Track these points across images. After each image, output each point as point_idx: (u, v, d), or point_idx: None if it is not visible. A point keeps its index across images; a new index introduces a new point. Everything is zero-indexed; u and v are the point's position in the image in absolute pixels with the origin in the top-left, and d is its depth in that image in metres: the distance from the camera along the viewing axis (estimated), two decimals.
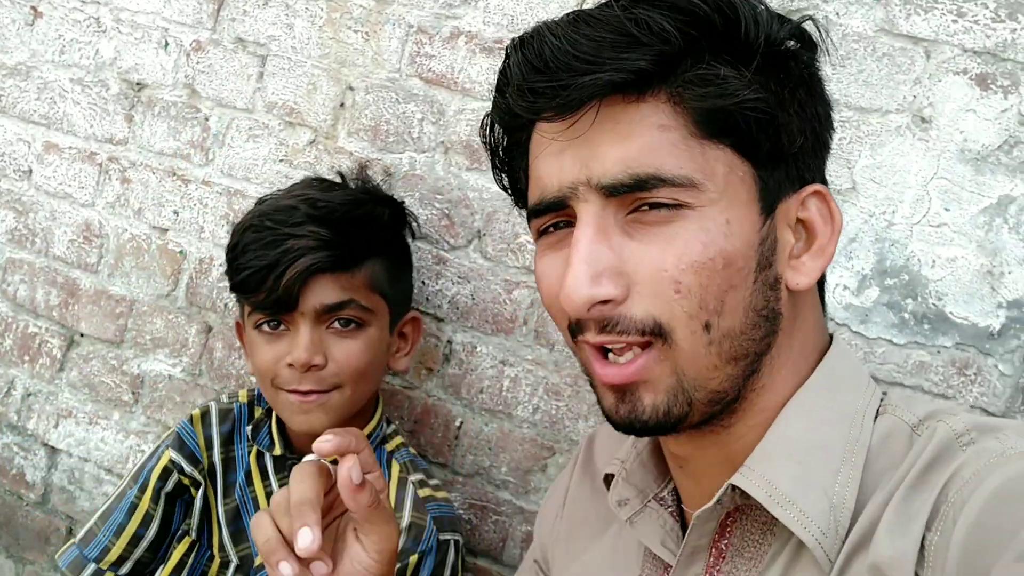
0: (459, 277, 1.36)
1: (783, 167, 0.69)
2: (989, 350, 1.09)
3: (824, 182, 0.74)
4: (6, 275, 1.67)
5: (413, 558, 1.13)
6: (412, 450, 1.29)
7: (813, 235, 0.71)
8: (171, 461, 1.26)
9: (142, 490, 1.26)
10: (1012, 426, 0.64)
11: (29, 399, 1.66)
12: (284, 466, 1.25)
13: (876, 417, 0.70)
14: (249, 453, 1.27)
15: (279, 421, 1.25)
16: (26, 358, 1.66)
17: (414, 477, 1.22)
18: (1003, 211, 1.08)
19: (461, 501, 1.36)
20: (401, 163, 1.39)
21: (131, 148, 1.58)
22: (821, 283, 0.78)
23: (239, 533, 1.25)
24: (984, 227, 1.09)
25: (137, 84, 1.58)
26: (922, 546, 0.59)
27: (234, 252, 1.14)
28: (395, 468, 1.23)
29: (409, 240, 1.31)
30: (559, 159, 0.69)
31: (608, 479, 0.84)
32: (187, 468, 1.26)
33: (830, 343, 0.75)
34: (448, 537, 1.17)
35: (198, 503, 1.27)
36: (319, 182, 1.25)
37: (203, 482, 1.27)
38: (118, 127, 1.59)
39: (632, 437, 0.83)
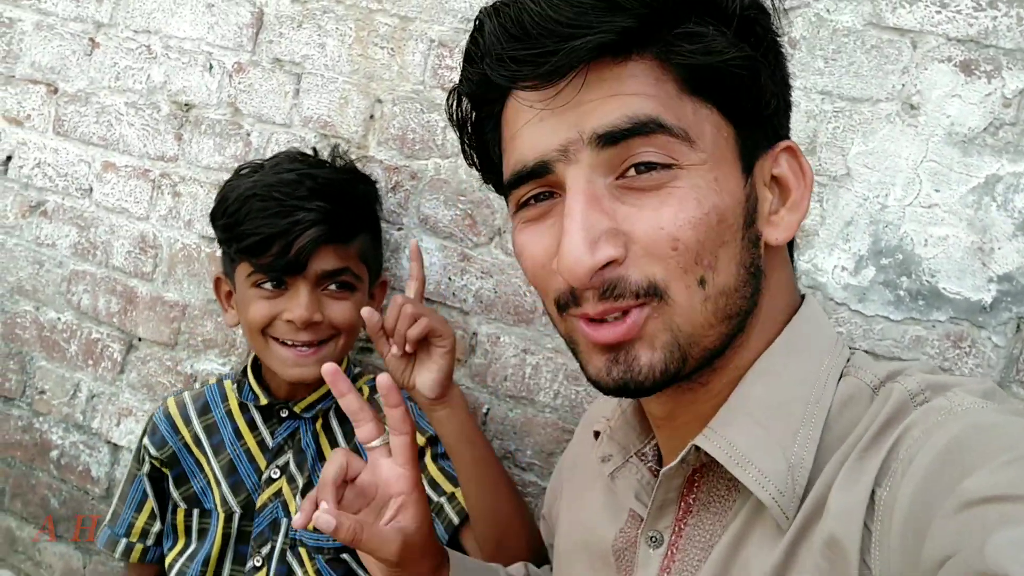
0: (482, 272, 1.45)
1: (760, 127, 0.71)
2: (982, 323, 1.14)
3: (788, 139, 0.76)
4: (70, 286, 1.81)
5: (421, 439, 1.35)
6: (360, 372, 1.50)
7: (787, 190, 0.73)
8: (143, 446, 1.43)
9: (140, 464, 1.44)
10: (963, 383, 0.66)
11: (93, 400, 1.79)
12: (272, 413, 1.39)
13: (841, 378, 0.71)
14: (229, 413, 1.41)
15: (257, 375, 1.41)
16: (90, 362, 1.79)
17: (377, 395, 1.41)
18: (991, 190, 1.13)
19: None
20: (427, 168, 1.49)
21: (181, 164, 1.70)
22: (791, 244, 0.79)
23: (238, 484, 1.37)
24: (973, 206, 1.14)
25: (185, 105, 1.70)
26: (872, 500, 0.60)
27: (235, 216, 1.25)
28: (365, 390, 1.43)
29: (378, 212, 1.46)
30: (542, 127, 0.68)
31: (597, 436, 0.89)
32: (153, 452, 1.41)
33: (800, 304, 0.76)
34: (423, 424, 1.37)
35: (171, 480, 1.41)
36: (303, 155, 1.39)
37: (171, 463, 1.41)
38: (169, 145, 1.71)
39: None
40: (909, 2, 1.18)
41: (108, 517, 1.48)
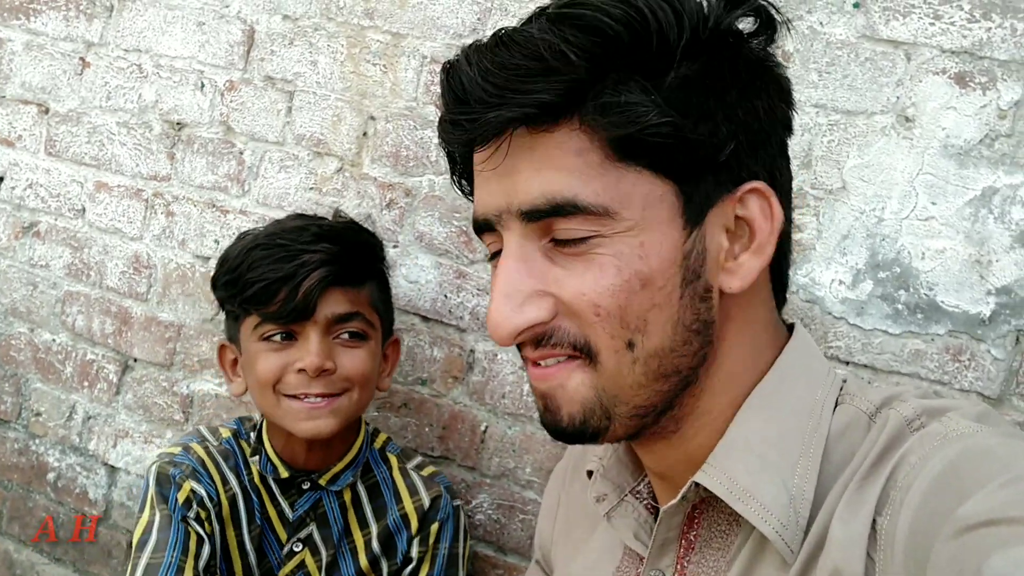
0: (478, 289, 1.44)
1: (711, 175, 0.68)
2: (981, 336, 1.13)
3: (774, 174, 0.72)
4: (65, 307, 1.80)
5: (434, 526, 1.30)
6: (392, 440, 1.42)
7: (753, 232, 0.70)
8: (192, 491, 1.26)
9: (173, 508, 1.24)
10: (958, 406, 0.66)
11: (89, 422, 1.78)
12: (292, 485, 1.31)
13: (837, 407, 0.71)
14: (250, 481, 1.31)
15: (271, 445, 1.31)
16: (85, 383, 1.78)
17: (410, 464, 1.38)
18: (987, 202, 1.13)
19: (489, 502, 1.43)
20: (421, 185, 1.48)
21: (174, 183, 1.69)
22: (782, 278, 0.78)
23: (261, 552, 1.31)
24: (970, 218, 1.14)
25: (177, 124, 1.70)
26: (874, 530, 0.61)
27: (238, 270, 1.20)
28: (392, 461, 1.37)
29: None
30: (487, 185, 0.71)
31: (590, 475, 0.86)
32: (207, 502, 1.26)
33: (789, 335, 0.75)
34: (458, 503, 1.34)
35: (217, 539, 1.27)
36: (306, 215, 1.36)
37: (216, 522, 1.28)
38: (161, 164, 1.71)
39: None
40: (903, 14, 1.17)
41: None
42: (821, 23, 1.22)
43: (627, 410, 0.69)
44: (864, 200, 1.19)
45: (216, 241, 1.65)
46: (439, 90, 0.71)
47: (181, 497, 1.25)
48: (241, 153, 1.64)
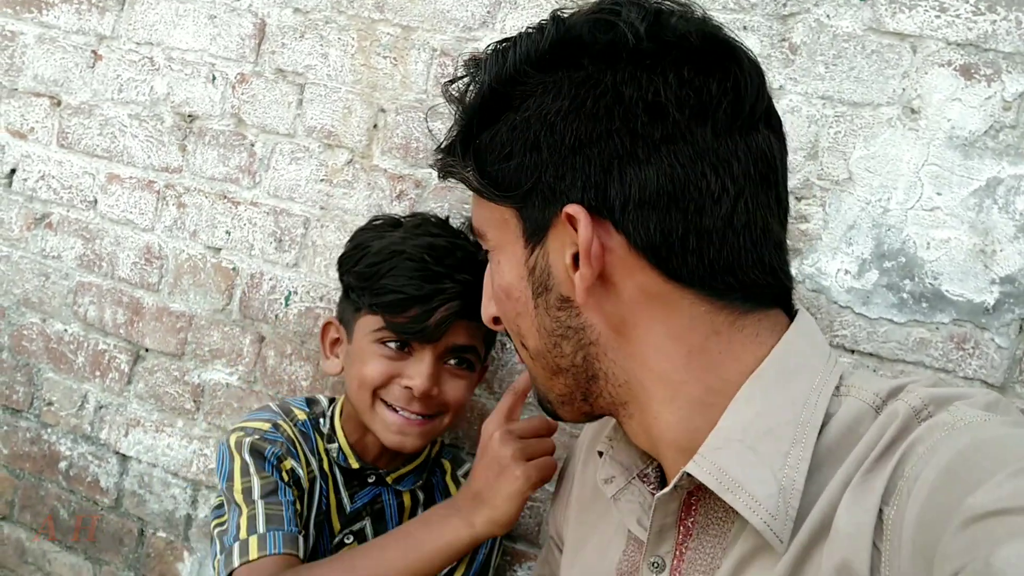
0: None
1: (533, 200, 0.75)
2: (985, 324, 1.15)
3: (605, 187, 0.72)
4: (77, 298, 1.82)
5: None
6: (448, 444, 1.43)
7: (581, 248, 0.73)
8: (291, 470, 1.24)
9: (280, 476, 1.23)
10: (966, 394, 0.66)
11: (101, 411, 1.79)
12: (357, 477, 1.31)
13: (835, 396, 0.71)
14: (320, 467, 1.30)
15: (343, 434, 1.30)
16: (97, 373, 1.80)
17: (461, 471, 1.39)
18: (992, 192, 1.14)
19: None
20: (431, 177, 1.50)
21: (185, 175, 1.71)
22: (727, 272, 0.76)
23: (318, 538, 1.29)
24: (975, 208, 1.15)
25: (189, 116, 1.71)
26: (880, 520, 0.61)
27: (376, 269, 1.20)
28: (447, 467, 1.39)
29: None
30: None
31: (600, 457, 0.88)
32: (302, 482, 1.25)
33: (789, 322, 0.76)
34: None
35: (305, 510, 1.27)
36: (447, 226, 1.33)
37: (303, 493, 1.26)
38: (173, 156, 1.72)
39: None
40: (909, 7, 1.19)
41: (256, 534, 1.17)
42: (828, 16, 1.23)
43: (555, 397, 0.82)
44: (870, 191, 1.20)
45: (227, 232, 1.66)
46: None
47: (283, 473, 1.23)
48: (252, 145, 1.65)
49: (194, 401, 1.71)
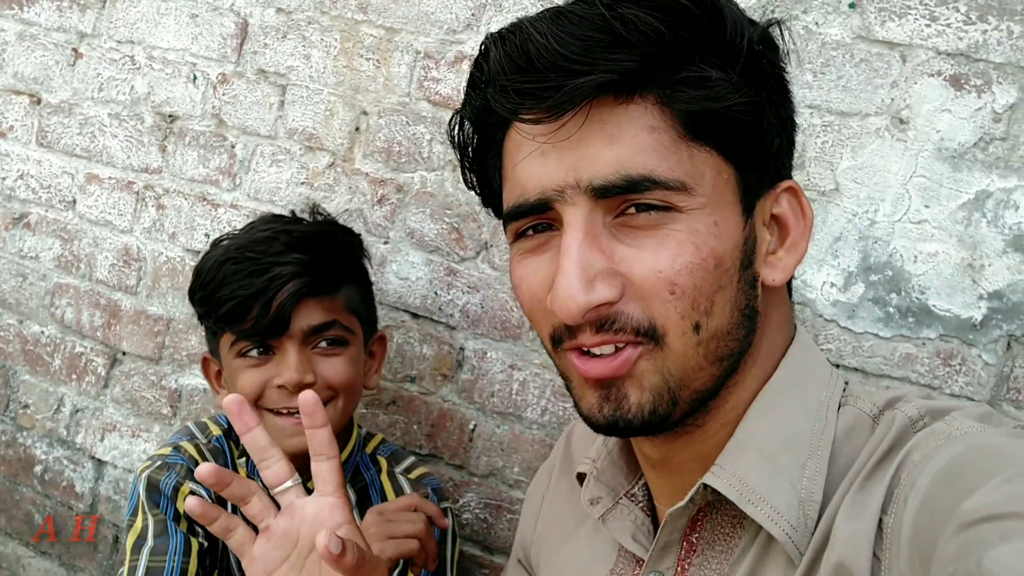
0: (469, 287, 1.43)
1: (761, 168, 0.70)
2: (972, 340, 1.12)
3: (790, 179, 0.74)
4: (54, 299, 1.79)
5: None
6: (387, 441, 1.40)
7: (786, 231, 0.72)
8: (191, 493, 1.21)
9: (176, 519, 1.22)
10: (961, 407, 0.67)
11: (77, 415, 1.76)
12: None
13: (839, 408, 0.71)
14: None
15: None
16: (73, 376, 1.77)
17: (400, 467, 1.35)
18: (981, 206, 1.12)
19: (477, 501, 1.43)
20: (413, 181, 1.47)
21: (165, 176, 1.68)
22: (789, 280, 0.77)
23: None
24: (963, 222, 1.13)
25: (169, 116, 1.68)
26: (880, 529, 0.61)
27: (211, 287, 1.18)
28: (382, 464, 1.35)
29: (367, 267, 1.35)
30: (543, 161, 0.68)
31: (581, 478, 0.85)
32: (202, 494, 1.20)
33: (793, 336, 0.76)
34: (446, 505, 1.30)
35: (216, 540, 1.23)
36: (280, 217, 1.31)
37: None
38: (152, 157, 1.69)
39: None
40: (898, 15, 1.16)
41: None
42: (817, 23, 1.21)
43: (688, 395, 0.68)
44: (857, 202, 1.18)
45: (207, 235, 1.63)
46: (486, 61, 0.68)
47: (180, 501, 1.22)
48: (233, 147, 1.62)
49: (171, 406, 1.68)
